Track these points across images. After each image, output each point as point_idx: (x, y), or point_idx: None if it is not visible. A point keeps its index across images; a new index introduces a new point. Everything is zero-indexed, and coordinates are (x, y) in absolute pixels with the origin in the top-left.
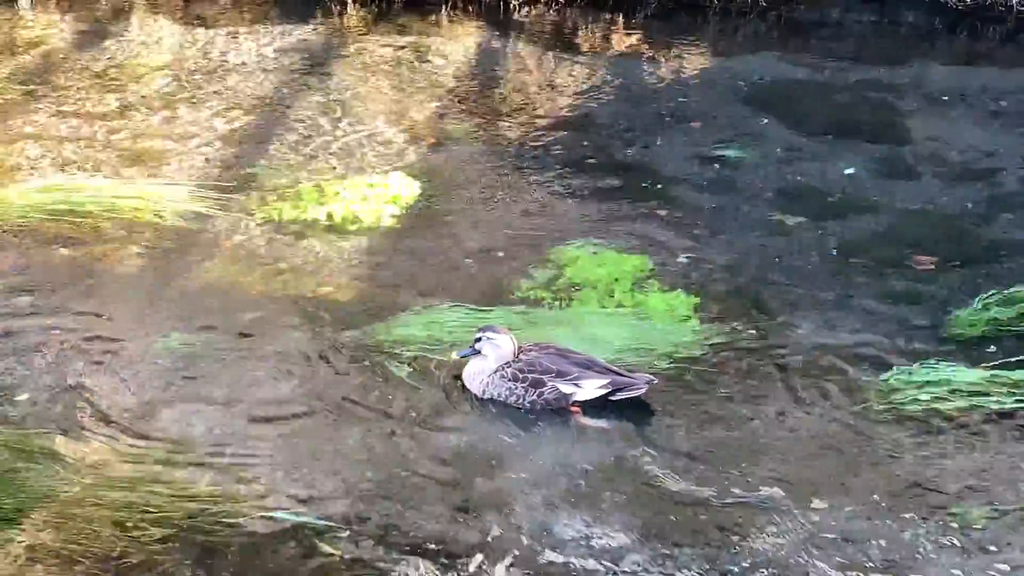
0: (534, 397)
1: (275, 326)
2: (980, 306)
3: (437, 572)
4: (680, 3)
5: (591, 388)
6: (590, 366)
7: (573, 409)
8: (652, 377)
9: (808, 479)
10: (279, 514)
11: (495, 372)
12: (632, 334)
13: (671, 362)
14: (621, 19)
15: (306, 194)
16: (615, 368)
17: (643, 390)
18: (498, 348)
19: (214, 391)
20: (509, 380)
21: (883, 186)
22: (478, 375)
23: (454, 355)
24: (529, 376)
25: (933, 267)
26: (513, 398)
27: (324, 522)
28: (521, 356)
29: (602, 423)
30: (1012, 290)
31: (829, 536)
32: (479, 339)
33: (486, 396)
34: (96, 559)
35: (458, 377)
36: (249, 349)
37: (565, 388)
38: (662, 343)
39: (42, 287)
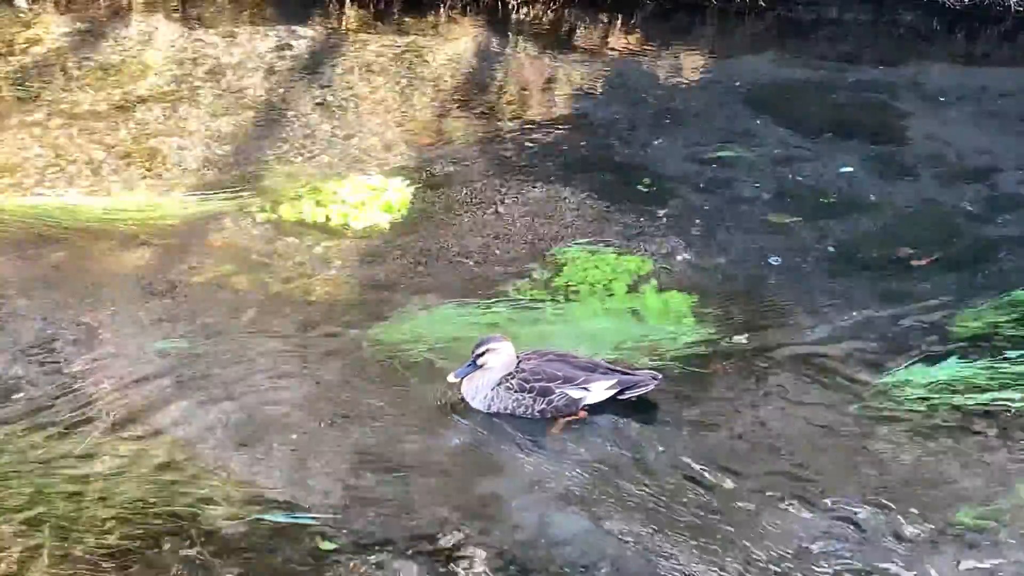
0: (543, 406)
1: (273, 326)
2: (978, 305)
3: (437, 573)
4: (678, 3)
5: (600, 390)
6: (594, 368)
7: (581, 414)
8: (658, 373)
9: (806, 478)
10: (279, 516)
11: (499, 385)
12: (630, 334)
13: (669, 362)
14: (619, 19)
15: (304, 194)
16: (619, 368)
17: (651, 387)
18: (501, 356)
19: (212, 392)
20: (516, 391)
21: (881, 186)
22: (481, 390)
23: (450, 378)
24: (536, 385)
25: (926, 263)
26: (521, 409)
27: (323, 522)
28: (522, 365)
29: (590, 452)
30: (1010, 289)
31: (828, 535)
32: (481, 352)
33: (492, 410)
34: (94, 560)
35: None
36: (247, 349)
37: (574, 393)
38: (660, 343)
39: (40, 287)
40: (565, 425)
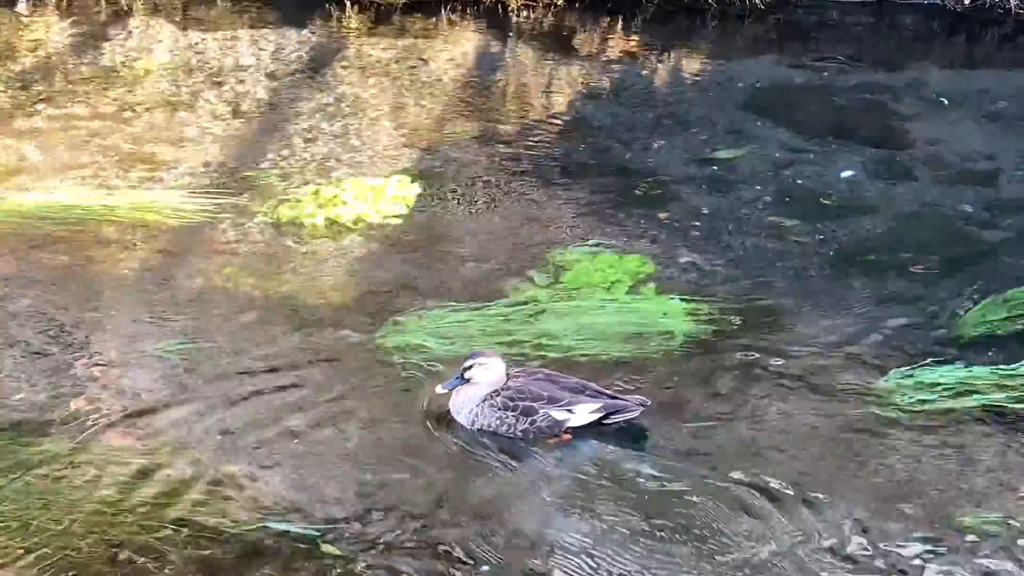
0: (526, 425)
1: (274, 329)
2: (980, 308)
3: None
4: (678, 6)
5: (584, 413)
6: (581, 390)
7: (565, 437)
8: (646, 399)
9: (808, 481)
10: (282, 526)
11: (484, 401)
12: (630, 336)
13: (668, 364)
14: (620, 22)
15: (305, 197)
16: (607, 391)
17: (636, 413)
18: (490, 372)
19: (212, 395)
20: (499, 409)
21: (882, 189)
22: (466, 405)
23: (438, 389)
24: (520, 404)
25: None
26: (504, 427)
27: (322, 528)
28: (509, 383)
29: (590, 453)
30: (1011, 291)
31: (828, 538)
32: (469, 366)
33: (475, 427)
34: (91, 564)
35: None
36: (247, 352)
37: (558, 415)
38: (660, 345)
39: (40, 290)
40: (553, 446)
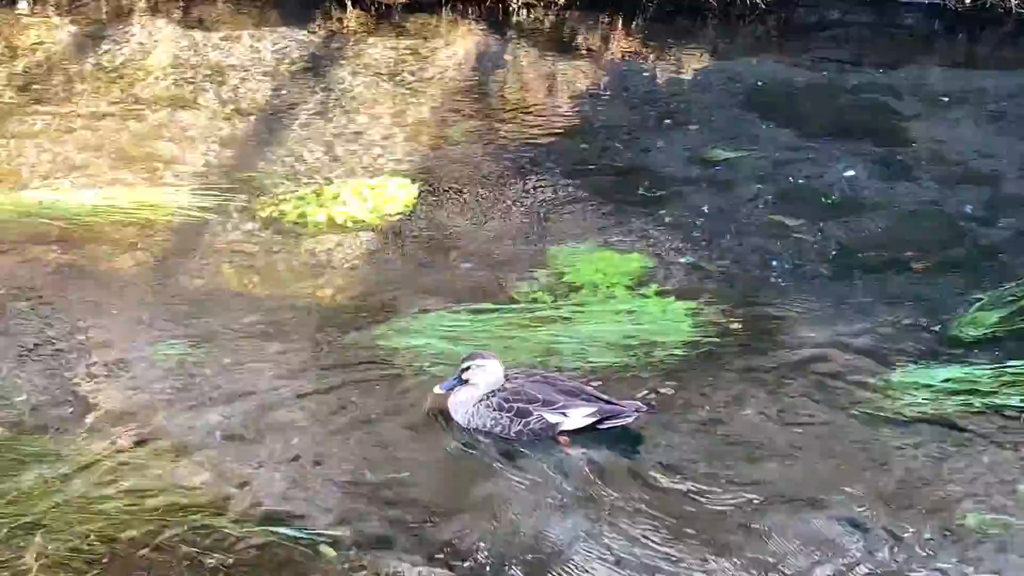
0: (520, 427)
1: (274, 329)
2: (980, 307)
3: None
4: (679, 6)
5: (578, 417)
6: (577, 394)
7: (561, 440)
8: (642, 404)
9: (807, 481)
10: (282, 527)
11: (480, 402)
12: (630, 336)
13: (669, 364)
14: (620, 22)
15: (306, 197)
16: (603, 396)
17: (632, 419)
18: (488, 374)
19: (212, 394)
20: (494, 410)
21: (882, 188)
22: (463, 404)
23: (436, 389)
24: (515, 405)
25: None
26: (499, 428)
27: (321, 529)
28: (506, 384)
29: (591, 454)
30: (1011, 291)
31: (828, 539)
32: (467, 368)
33: (471, 426)
34: (94, 564)
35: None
36: (248, 353)
37: (552, 418)
38: (660, 345)
39: (41, 290)
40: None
